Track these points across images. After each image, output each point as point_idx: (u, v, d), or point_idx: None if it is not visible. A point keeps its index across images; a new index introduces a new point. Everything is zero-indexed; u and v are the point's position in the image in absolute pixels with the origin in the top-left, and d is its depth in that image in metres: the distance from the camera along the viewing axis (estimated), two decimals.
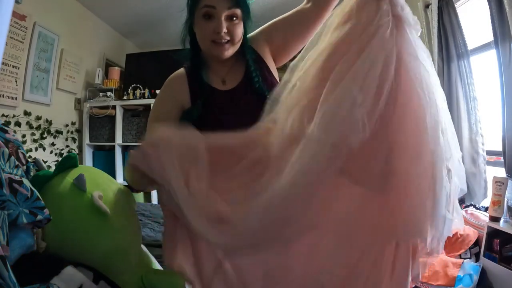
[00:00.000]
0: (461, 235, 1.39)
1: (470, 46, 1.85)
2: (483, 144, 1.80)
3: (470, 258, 1.37)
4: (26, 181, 0.66)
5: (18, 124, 2.17)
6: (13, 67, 2.14)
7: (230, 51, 0.79)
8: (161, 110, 0.86)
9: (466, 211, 1.57)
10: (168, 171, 0.60)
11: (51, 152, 2.55)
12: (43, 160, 0.88)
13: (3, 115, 2.08)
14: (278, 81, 0.87)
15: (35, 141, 2.36)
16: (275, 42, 0.89)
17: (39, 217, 0.63)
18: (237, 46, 0.81)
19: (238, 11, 0.76)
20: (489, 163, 1.79)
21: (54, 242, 0.74)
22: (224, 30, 0.75)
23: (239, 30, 0.78)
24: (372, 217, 0.60)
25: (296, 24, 0.85)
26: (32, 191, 0.64)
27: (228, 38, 0.76)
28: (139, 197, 2.91)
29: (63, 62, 2.62)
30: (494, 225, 1.30)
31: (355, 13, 0.59)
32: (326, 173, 0.56)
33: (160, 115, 0.84)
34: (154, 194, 2.91)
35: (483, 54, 1.87)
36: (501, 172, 1.50)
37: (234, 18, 0.76)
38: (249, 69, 0.82)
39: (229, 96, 0.82)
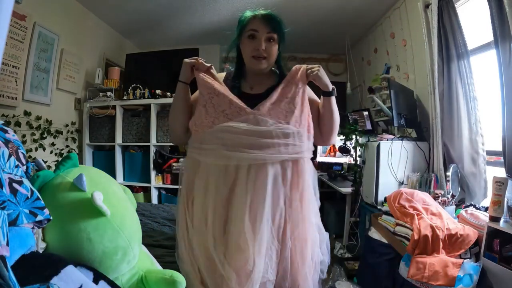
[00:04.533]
0: (461, 235, 1.39)
1: (470, 46, 1.85)
2: (483, 144, 1.80)
3: (470, 258, 1.37)
4: (26, 181, 0.66)
5: (18, 124, 2.17)
6: (13, 67, 2.14)
7: (265, 65, 1.02)
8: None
9: (466, 211, 1.57)
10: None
11: (51, 152, 2.55)
12: (43, 160, 0.88)
13: (3, 115, 2.08)
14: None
15: (35, 141, 2.36)
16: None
17: (39, 217, 0.63)
18: (272, 63, 1.05)
19: (275, 36, 1.00)
20: (489, 163, 1.79)
21: (54, 242, 0.74)
22: (263, 47, 0.99)
23: (274, 50, 1.02)
24: None
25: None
26: (32, 191, 0.64)
27: (265, 55, 1.00)
28: (139, 197, 2.92)
29: (63, 62, 2.62)
30: (494, 225, 1.30)
31: None
32: None
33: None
34: (154, 195, 2.91)
35: (483, 54, 1.87)
36: (501, 172, 1.50)
37: (271, 40, 1.00)
38: (277, 83, 1.05)
39: (253, 98, 1.02)
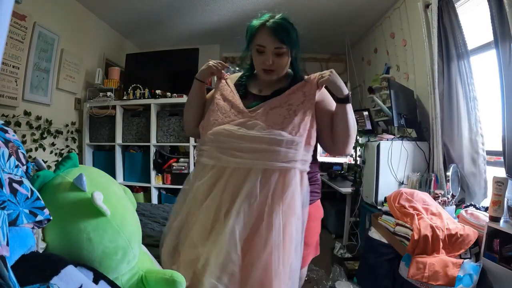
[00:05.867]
0: (461, 235, 1.39)
1: (470, 46, 1.85)
2: (483, 144, 1.80)
3: (470, 258, 1.37)
4: (26, 181, 0.66)
5: (18, 124, 2.17)
6: (13, 67, 2.14)
7: (275, 77, 1.04)
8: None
9: (466, 211, 1.57)
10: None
11: (51, 152, 2.55)
12: (43, 160, 0.88)
13: (3, 115, 2.08)
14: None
15: (35, 141, 2.36)
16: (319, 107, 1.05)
17: (39, 217, 0.63)
18: (282, 72, 1.05)
19: (284, 48, 0.98)
20: (489, 163, 1.79)
21: (54, 242, 0.74)
22: (270, 62, 0.99)
23: (284, 61, 1.01)
24: None
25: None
26: (32, 191, 0.64)
27: (273, 68, 1.00)
28: (139, 197, 2.92)
29: (63, 62, 2.62)
30: (494, 225, 1.30)
31: None
32: None
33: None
34: (154, 195, 2.91)
35: (483, 54, 1.87)
36: (501, 172, 1.50)
37: (280, 53, 0.99)
38: (286, 88, 1.03)
39: (259, 99, 1.03)
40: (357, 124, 2.90)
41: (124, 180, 2.98)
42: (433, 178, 1.93)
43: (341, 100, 0.98)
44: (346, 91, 0.97)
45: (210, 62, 1.09)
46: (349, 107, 0.98)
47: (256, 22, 1.00)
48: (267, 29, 0.97)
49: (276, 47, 0.98)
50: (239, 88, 1.08)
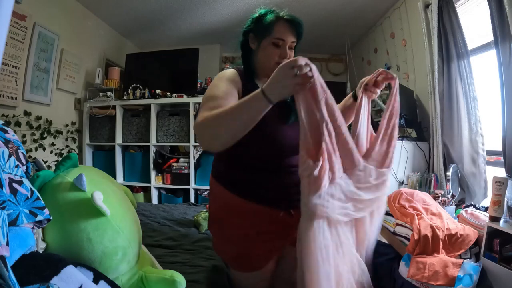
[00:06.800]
0: (461, 235, 1.39)
1: (470, 46, 1.85)
2: (483, 144, 1.80)
3: (470, 258, 1.36)
4: (26, 181, 0.66)
5: (18, 124, 2.17)
6: (13, 67, 2.14)
7: None
8: (221, 89, 0.91)
9: (466, 211, 1.57)
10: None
11: (51, 152, 2.55)
12: (43, 160, 0.88)
13: (3, 115, 2.08)
14: None
15: (35, 141, 2.36)
16: None
17: (39, 217, 0.63)
18: None
19: (295, 43, 1.00)
20: (489, 163, 1.79)
21: (54, 242, 0.74)
22: (288, 56, 0.97)
23: (293, 55, 1.01)
24: None
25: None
26: (32, 191, 0.64)
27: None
28: (139, 197, 2.91)
29: (63, 62, 2.62)
30: (494, 225, 1.30)
31: None
32: None
33: (220, 92, 0.90)
34: (154, 195, 2.91)
35: (483, 54, 1.87)
36: (501, 172, 1.50)
37: (292, 47, 1.00)
38: None
39: (282, 106, 0.93)
40: None
41: (124, 180, 2.98)
42: (433, 178, 1.92)
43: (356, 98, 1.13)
44: None
45: (298, 64, 0.72)
46: None
47: (270, 15, 0.97)
48: (284, 21, 0.97)
49: (293, 41, 0.98)
50: (255, 87, 0.87)
